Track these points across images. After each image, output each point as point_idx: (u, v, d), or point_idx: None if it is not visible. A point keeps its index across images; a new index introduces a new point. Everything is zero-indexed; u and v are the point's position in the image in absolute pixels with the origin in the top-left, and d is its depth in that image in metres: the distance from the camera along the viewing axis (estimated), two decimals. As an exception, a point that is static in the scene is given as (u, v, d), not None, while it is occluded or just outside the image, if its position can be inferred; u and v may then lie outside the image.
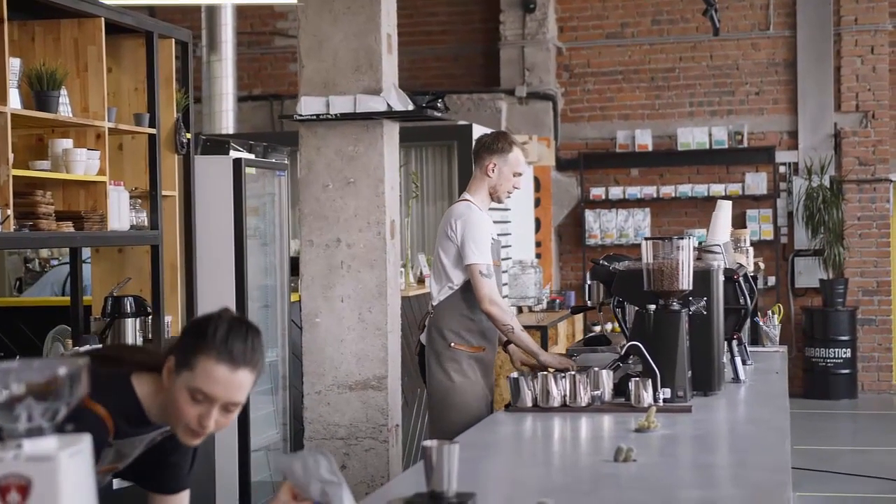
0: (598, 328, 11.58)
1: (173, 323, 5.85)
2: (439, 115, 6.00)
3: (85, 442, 1.77)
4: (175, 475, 2.89)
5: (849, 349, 12.25)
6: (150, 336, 5.59)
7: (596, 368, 4.37)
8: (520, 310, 10.21)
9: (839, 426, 11.30)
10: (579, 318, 11.44)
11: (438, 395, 5.21)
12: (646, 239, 4.44)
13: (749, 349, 5.80)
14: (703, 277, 4.53)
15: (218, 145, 6.38)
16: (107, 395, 2.59)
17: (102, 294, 5.59)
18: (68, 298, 5.79)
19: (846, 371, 12.27)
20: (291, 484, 2.51)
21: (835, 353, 12.23)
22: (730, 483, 3.15)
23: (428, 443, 2.73)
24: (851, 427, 11.37)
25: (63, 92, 4.88)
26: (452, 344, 5.17)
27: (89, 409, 2.56)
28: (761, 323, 6.38)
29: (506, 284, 9.81)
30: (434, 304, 5.27)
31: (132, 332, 5.41)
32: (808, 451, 9.46)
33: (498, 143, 5.29)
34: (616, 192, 12.91)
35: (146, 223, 5.56)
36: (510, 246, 10.48)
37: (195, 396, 2.55)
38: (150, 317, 5.58)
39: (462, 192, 5.50)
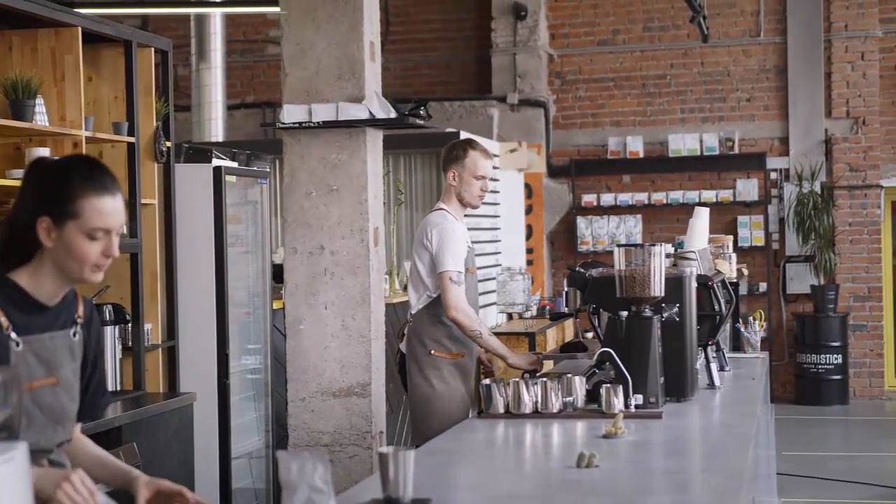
0: (590, 335, 11.58)
1: (153, 331, 5.87)
2: (421, 122, 6.01)
3: (19, 449, 1.79)
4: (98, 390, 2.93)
5: (840, 355, 12.26)
6: (129, 344, 5.61)
7: (569, 375, 4.39)
8: (509, 316, 10.23)
9: (830, 432, 11.31)
10: (569, 324, 11.45)
11: (420, 402, 5.25)
12: (618, 246, 4.46)
13: (730, 356, 5.81)
14: (675, 284, 4.54)
15: (201, 153, 6.39)
16: None
17: (82, 302, 5.59)
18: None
19: (837, 377, 12.27)
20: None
21: (826, 358, 12.23)
22: (686, 488, 3.16)
23: (383, 449, 2.76)
24: (842, 433, 11.37)
25: (39, 101, 4.90)
26: (432, 351, 5.23)
27: None
28: (742, 329, 6.39)
29: (492, 292, 9.84)
30: (413, 312, 5.34)
31: (111, 340, 5.42)
32: (798, 456, 9.47)
33: (453, 151, 5.39)
34: (608, 198, 12.92)
35: (125, 231, 5.58)
36: (500, 253, 10.49)
37: (94, 236, 2.67)
38: (129, 325, 5.59)
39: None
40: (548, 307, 11.16)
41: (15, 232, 2.72)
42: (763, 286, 12.55)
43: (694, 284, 4.68)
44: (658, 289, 4.39)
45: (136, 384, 5.52)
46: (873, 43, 12.59)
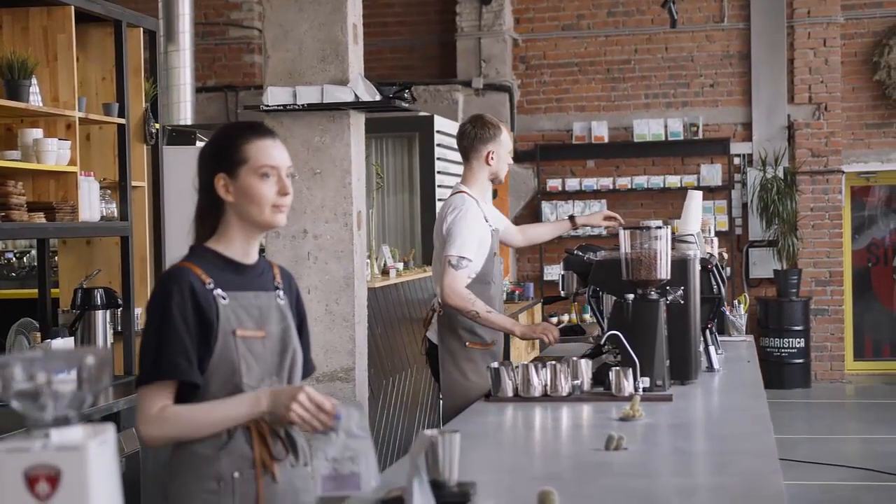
0: (554, 319, 11.62)
1: (143, 315, 5.78)
2: (406, 105, 5.98)
3: (110, 432, 1.75)
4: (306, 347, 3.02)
5: (802, 339, 12.39)
6: (119, 328, 5.53)
7: (575, 358, 4.38)
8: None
9: (793, 415, 11.41)
10: (538, 308, 11.50)
11: (454, 393, 5.05)
12: (624, 229, 4.45)
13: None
14: (680, 266, 4.55)
15: (183, 136, 6.32)
16: (189, 258, 2.87)
17: (71, 286, 5.51)
18: (36, 291, 5.69)
19: (799, 360, 12.40)
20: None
21: (788, 342, 12.35)
22: (723, 470, 3.16)
23: (429, 432, 2.73)
24: (805, 416, 11.49)
25: (34, 81, 4.81)
26: (468, 343, 5.07)
27: (173, 266, 2.86)
28: (728, 313, 6.42)
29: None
30: (441, 302, 5.09)
31: (102, 324, 5.34)
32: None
33: (489, 130, 5.21)
34: (572, 183, 12.95)
35: (116, 214, 5.49)
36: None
37: (263, 175, 2.82)
38: (120, 309, 5.51)
39: (432, 183, 5.48)
40: (516, 292, 11.19)
41: (202, 207, 2.89)
42: (727, 271, 12.64)
43: (698, 267, 4.70)
44: (664, 271, 4.39)
45: (127, 369, 5.44)
46: (835, 29, 12.70)
